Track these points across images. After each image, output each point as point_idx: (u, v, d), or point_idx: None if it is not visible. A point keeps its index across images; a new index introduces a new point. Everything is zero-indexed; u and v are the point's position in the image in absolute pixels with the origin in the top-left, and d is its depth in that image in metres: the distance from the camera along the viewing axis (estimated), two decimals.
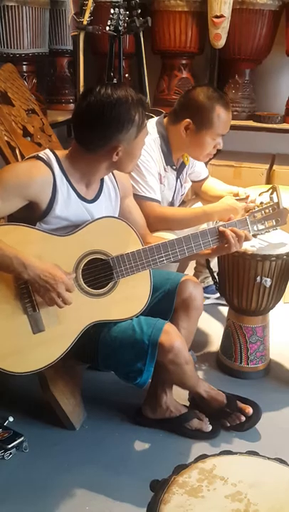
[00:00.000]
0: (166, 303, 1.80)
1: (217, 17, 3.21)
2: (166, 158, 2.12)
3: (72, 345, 1.62)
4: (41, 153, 1.62)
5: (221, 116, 2.01)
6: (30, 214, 1.58)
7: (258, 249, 1.98)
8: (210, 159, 2.40)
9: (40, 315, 1.58)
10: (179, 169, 2.21)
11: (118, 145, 1.57)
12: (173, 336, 1.65)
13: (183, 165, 2.23)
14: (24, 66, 3.23)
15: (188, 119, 2.02)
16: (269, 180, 3.45)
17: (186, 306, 1.80)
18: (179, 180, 2.24)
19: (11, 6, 3.04)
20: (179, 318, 1.81)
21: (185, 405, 1.91)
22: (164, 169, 2.13)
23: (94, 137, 1.56)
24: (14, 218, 1.59)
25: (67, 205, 1.62)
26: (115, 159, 1.60)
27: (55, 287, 1.52)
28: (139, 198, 1.96)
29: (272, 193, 1.84)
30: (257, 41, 3.43)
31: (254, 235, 1.83)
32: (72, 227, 1.63)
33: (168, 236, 1.96)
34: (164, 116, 2.16)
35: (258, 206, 1.85)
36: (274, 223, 1.83)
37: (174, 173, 2.19)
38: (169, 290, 1.81)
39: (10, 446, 1.72)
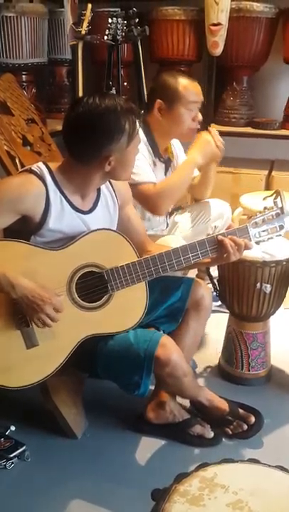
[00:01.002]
0: (179, 303, 1.85)
1: (214, 25, 3.23)
2: (154, 150, 2.16)
3: (67, 359, 1.61)
4: (34, 167, 1.60)
5: (186, 85, 2.09)
6: (25, 227, 1.58)
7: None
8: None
9: (33, 330, 1.58)
10: (167, 162, 2.25)
11: (110, 155, 1.54)
12: (170, 350, 1.64)
13: (169, 159, 2.28)
14: (23, 76, 3.26)
15: (158, 100, 2.10)
16: (268, 186, 3.46)
17: (197, 306, 1.85)
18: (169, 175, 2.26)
19: (10, 16, 3.07)
20: (189, 318, 1.85)
21: (187, 411, 1.91)
22: (154, 163, 2.16)
23: (85, 148, 1.55)
24: (9, 231, 1.57)
25: (61, 218, 1.60)
26: (108, 169, 1.57)
27: (42, 308, 1.51)
28: (134, 187, 1.92)
29: (276, 198, 1.76)
30: (254, 48, 3.45)
31: (257, 242, 1.75)
32: (67, 240, 1.60)
33: (170, 242, 1.96)
34: None
35: (260, 212, 1.76)
36: (278, 229, 1.75)
37: (163, 165, 2.22)
38: (182, 293, 1.85)
39: (12, 455, 1.72)
